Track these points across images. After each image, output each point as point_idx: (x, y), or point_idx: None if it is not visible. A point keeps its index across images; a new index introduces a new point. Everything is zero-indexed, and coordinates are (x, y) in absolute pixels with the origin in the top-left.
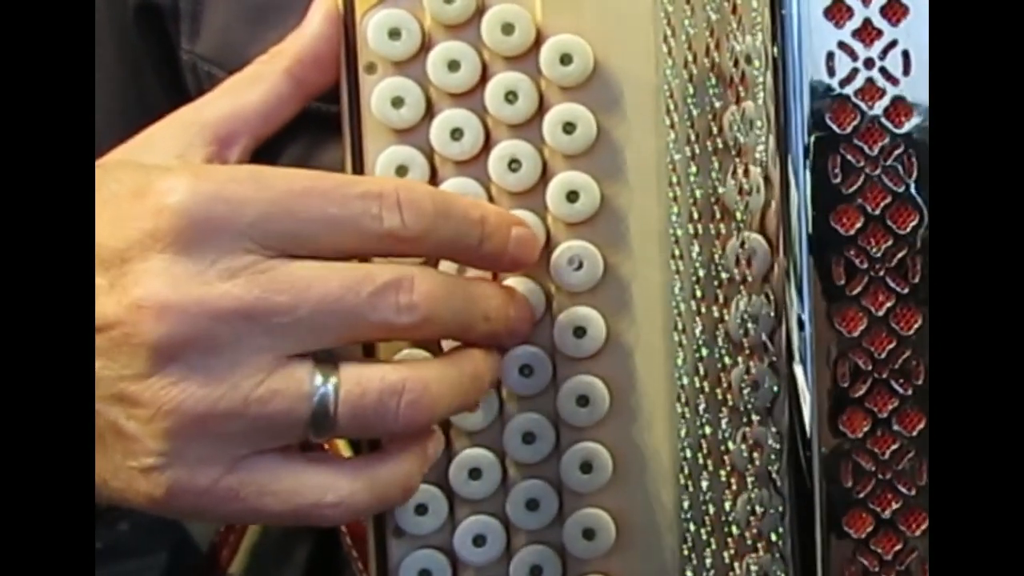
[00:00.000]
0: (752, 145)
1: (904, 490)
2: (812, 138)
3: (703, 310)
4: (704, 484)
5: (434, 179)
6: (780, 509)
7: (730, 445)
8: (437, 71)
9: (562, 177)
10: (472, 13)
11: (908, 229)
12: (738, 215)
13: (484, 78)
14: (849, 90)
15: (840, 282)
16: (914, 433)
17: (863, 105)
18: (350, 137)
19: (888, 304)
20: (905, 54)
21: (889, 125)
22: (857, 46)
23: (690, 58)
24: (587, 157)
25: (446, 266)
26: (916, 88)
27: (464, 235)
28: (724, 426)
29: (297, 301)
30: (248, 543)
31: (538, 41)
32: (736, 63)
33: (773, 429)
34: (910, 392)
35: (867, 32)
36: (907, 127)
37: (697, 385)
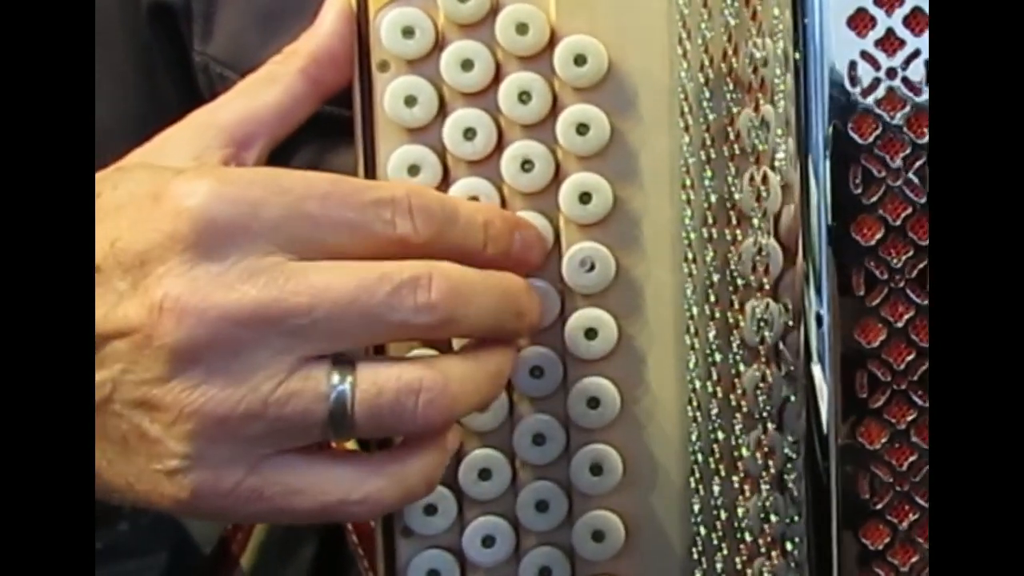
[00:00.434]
0: (770, 150)
1: (922, 502)
2: (833, 148)
3: (716, 314)
4: (716, 488)
5: (446, 179)
6: (796, 518)
7: (743, 451)
8: (450, 70)
9: (575, 178)
10: (486, 12)
11: (929, 240)
12: (755, 220)
13: (498, 78)
14: (871, 100)
15: (859, 292)
16: None
17: (885, 115)
18: (362, 136)
19: (908, 315)
20: (928, 64)
21: (911, 135)
22: (880, 56)
23: (706, 61)
24: (600, 158)
25: None
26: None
27: (469, 240)
28: (737, 431)
29: (315, 302)
30: (255, 541)
31: (552, 41)
32: (755, 69)
33: (789, 438)
34: (928, 403)
35: (890, 42)
36: (929, 138)
37: (710, 389)
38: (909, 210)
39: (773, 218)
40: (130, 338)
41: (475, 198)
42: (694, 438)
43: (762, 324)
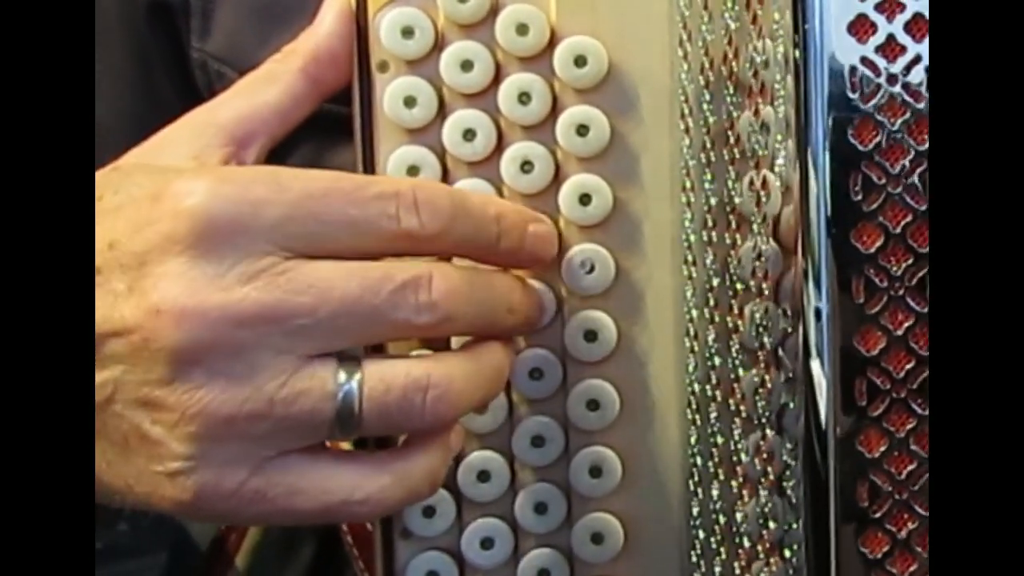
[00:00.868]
0: (770, 154)
1: (921, 511)
2: (833, 154)
3: (716, 318)
4: (715, 492)
5: (446, 180)
6: (794, 524)
7: (743, 455)
8: (450, 71)
9: (575, 180)
10: (486, 13)
11: (929, 248)
12: (754, 224)
13: (497, 79)
14: (871, 106)
15: (859, 300)
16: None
17: (885, 121)
18: (361, 137)
19: (907, 323)
20: (928, 70)
21: (911, 142)
22: (880, 62)
23: (707, 64)
24: (600, 160)
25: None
26: None
27: (481, 233)
28: (736, 435)
29: (317, 303)
30: (251, 542)
31: (552, 42)
32: (755, 72)
33: (788, 444)
34: (927, 412)
35: (890, 48)
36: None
37: (709, 393)
38: (909, 217)
39: (772, 222)
40: (127, 339)
41: None
42: (693, 441)
43: (761, 328)
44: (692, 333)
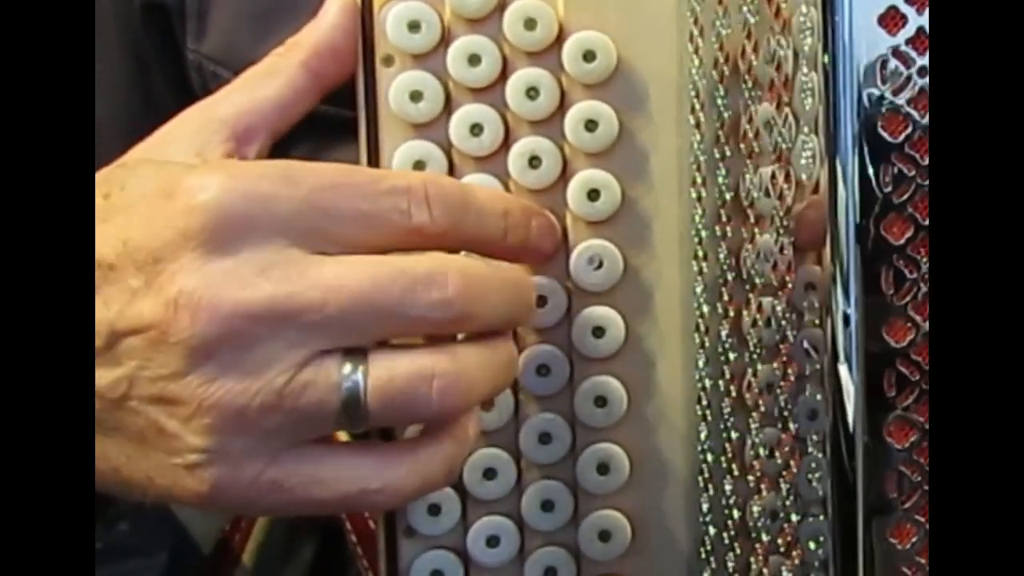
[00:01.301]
0: (791, 148)
1: None
2: (862, 146)
3: (729, 312)
4: (727, 488)
5: (452, 175)
6: (821, 517)
7: (760, 451)
8: (457, 65)
9: (583, 175)
10: (494, 7)
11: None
12: (774, 218)
13: (505, 73)
14: (902, 99)
15: (888, 291)
16: None
17: (915, 114)
18: (366, 131)
19: None
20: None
21: None
22: (911, 54)
23: (721, 59)
24: (609, 155)
25: None
26: None
27: (489, 228)
28: (752, 430)
29: (328, 297)
30: (255, 542)
31: (560, 37)
32: (778, 66)
33: (813, 436)
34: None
35: (921, 40)
36: None
37: (721, 388)
38: None
39: (795, 216)
40: (145, 335)
41: None
42: (703, 437)
43: (782, 322)
44: (702, 329)
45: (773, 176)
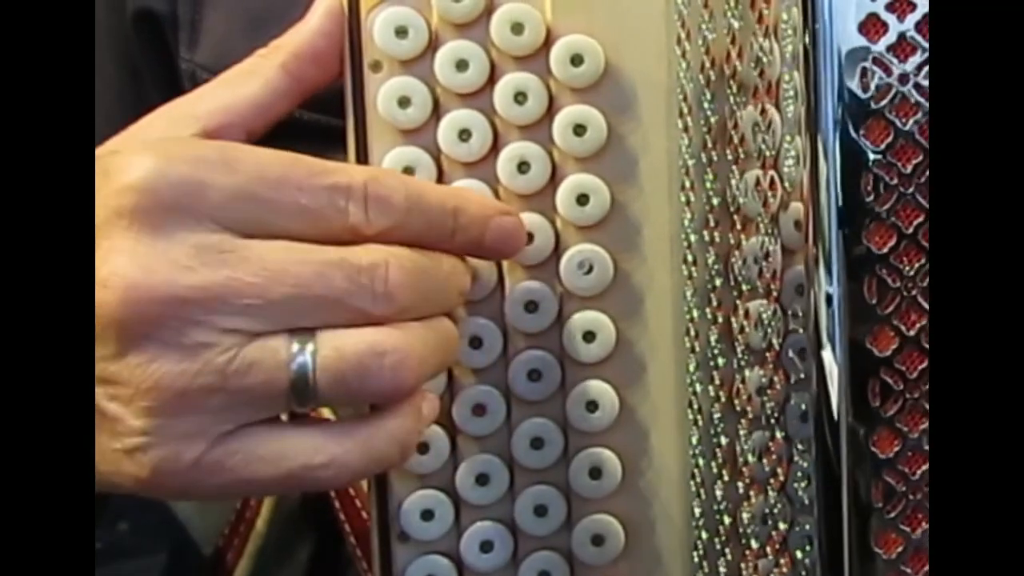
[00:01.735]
0: (776, 153)
1: None
2: (844, 155)
3: (718, 317)
4: (718, 493)
5: (441, 181)
6: (806, 525)
7: (749, 456)
8: (445, 71)
9: (572, 180)
10: (481, 12)
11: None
12: (760, 223)
13: (493, 78)
14: (883, 106)
15: (872, 301)
16: None
17: (897, 121)
18: (355, 137)
19: (920, 323)
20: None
21: (923, 142)
22: (892, 61)
23: (707, 62)
24: (598, 159)
25: None
26: None
27: (433, 229)
28: (741, 435)
29: (268, 284)
30: (253, 546)
31: (548, 41)
32: (761, 71)
33: (799, 445)
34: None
35: (902, 47)
36: None
37: (711, 393)
38: (922, 217)
39: (780, 220)
40: None
41: None
42: (694, 441)
43: (768, 327)
44: (692, 333)
45: (758, 181)
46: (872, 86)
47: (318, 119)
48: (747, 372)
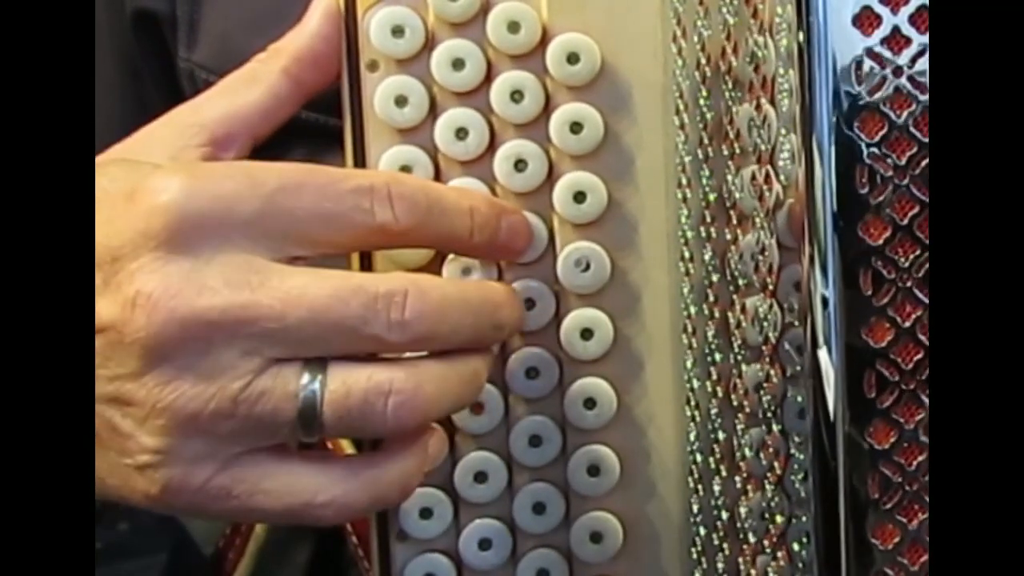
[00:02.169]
0: (772, 148)
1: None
2: (838, 147)
3: (715, 314)
4: (716, 489)
5: (438, 179)
6: (803, 518)
7: (746, 451)
8: (441, 70)
9: (569, 178)
10: (477, 11)
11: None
12: (756, 219)
13: (489, 77)
14: (877, 99)
15: (867, 292)
16: None
17: (891, 114)
18: (352, 137)
19: (916, 315)
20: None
21: (917, 134)
22: (886, 54)
23: (703, 60)
24: (594, 157)
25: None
26: None
27: (455, 227)
28: (739, 431)
29: (286, 308)
30: (254, 547)
31: (544, 40)
32: (756, 67)
33: (796, 438)
34: (930, 402)
35: (896, 40)
36: None
37: (709, 389)
38: (916, 209)
39: (775, 216)
40: (104, 335)
41: None
42: (692, 438)
43: (765, 323)
44: (690, 330)
45: (754, 177)
46: (866, 79)
47: (316, 119)
48: (744, 368)
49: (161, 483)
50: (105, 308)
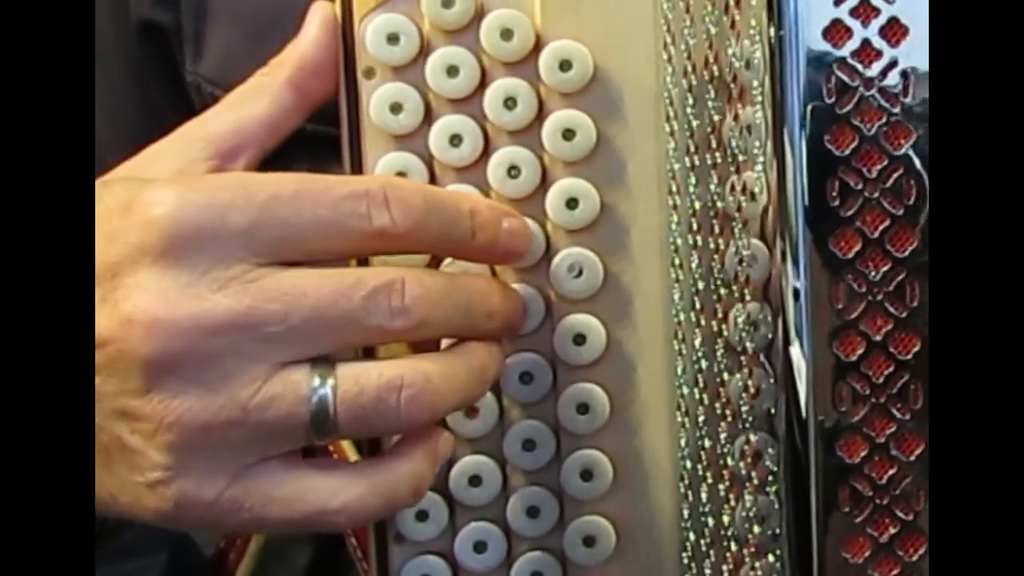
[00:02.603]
0: (749, 160)
1: (902, 515)
2: (810, 160)
3: (702, 321)
4: (703, 495)
5: (433, 185)
6: (777, 529)
7: (728, 459)
8: (436, 76)
9: (562, 184)
10: (471, 18)
11: (907, 253)
12: (736, 228)
13: (483, 84)
14: (848, 111)
15: (839, 306)
16: (912, 458)
17: (862, 127)
18: (348, 144)
19: (887, 328)
20: (904, 75)
21: (888, 147)
22: (857, 66)
23: (689, 68)
24: (587, 164)
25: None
26: (915, 109)
27: (455, 229)
28: (723, 438)
29: (289, 309)
30: (254, 548)
31: (537, 47)
32: (735, 78)
33: (770, 450)
34: (908, 416)
35: (866, 53)
36: (906, 149)
37: (696, 396)
38: (887, 222)
39: (754, 225)
40: (104, 351)
41: None
42: (683, 444)
43: (745, 331)
44: (680, 336)
45: (733, 187)
46: (837, 92)
47: (319, 129)
48: (726, 376)
49: (173, 500)
50: (103, 324)
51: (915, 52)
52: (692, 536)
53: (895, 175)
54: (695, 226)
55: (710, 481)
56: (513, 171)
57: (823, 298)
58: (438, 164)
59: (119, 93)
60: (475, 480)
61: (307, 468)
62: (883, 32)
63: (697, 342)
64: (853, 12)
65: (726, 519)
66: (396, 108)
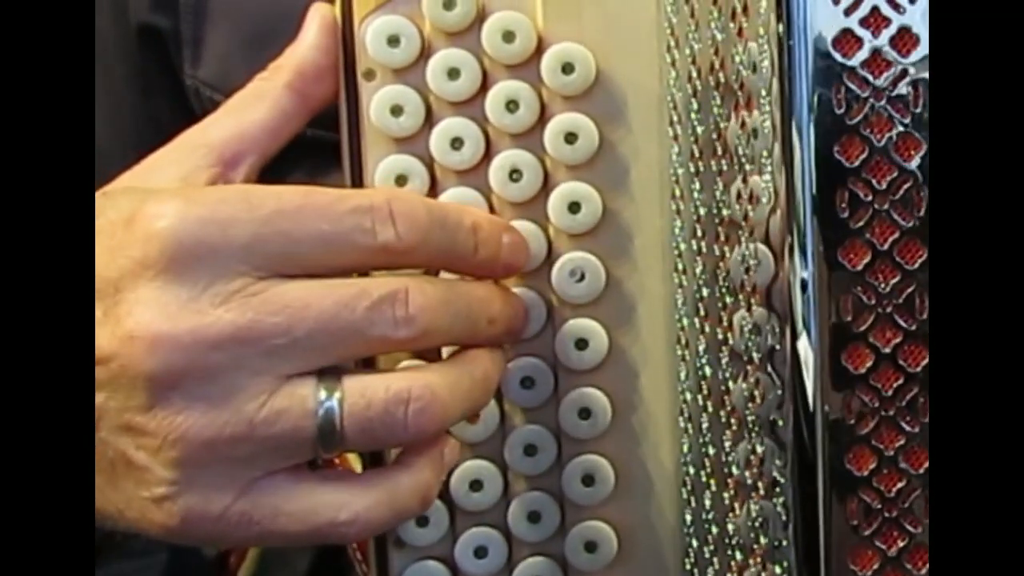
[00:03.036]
0: (756, 164)
1: (911, 528)
2: (819, 171)
3: (706, 327)
4: (707, 502)
5: (434, 189)
6: (784, 541)
7: (733, 468)
8: (437, 79)
9: (564, 187)
10: (472, 20)
11: (916, 265)
12: (742, 233)
13: (485, 86)
14: (857, 122)
15: (847, 318)
16: (921, 471)
17: (872, 138)
18: (349, 146)
19: (896, 341)
20: (915, 85)
21: (898, 158)
22: (867, 76)
23: (694, 72)
24: (589, 167)
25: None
26: (926, 120)
27: (458, 244)
28: (727, 445)
29: (292, 322)
30: (255, 551)
31: (539, 49)
32: (742, 85)
33: (777, 461)
34: (916, 429)
35: (876, 63)
36: (916, 161)
37: (700, 402)
38: (896, 234)
39: (760, 231)
40: (107, 367)
41: None
42: (685, 450)
43: (751, 337)
44: (683, 342)
45: (739, 194)
46: (847, 102)
47: (319, 134)
48: (730, 383)
49: (180, 515)
50: (105, 340)
51: (925, 62)
52: (695, 543)
53: (905, 187)
54: (699, 231)
55: (714, 488)
56: (515, 175)
57: (831, 309)
58: (439, 167)
59: (119, 98)
60: (476, 485)
61: (315, 481)
62: (893, 42)
63: (701, 348)
64: (863, 22)
65: (730, 527)
66: (397, 110)
